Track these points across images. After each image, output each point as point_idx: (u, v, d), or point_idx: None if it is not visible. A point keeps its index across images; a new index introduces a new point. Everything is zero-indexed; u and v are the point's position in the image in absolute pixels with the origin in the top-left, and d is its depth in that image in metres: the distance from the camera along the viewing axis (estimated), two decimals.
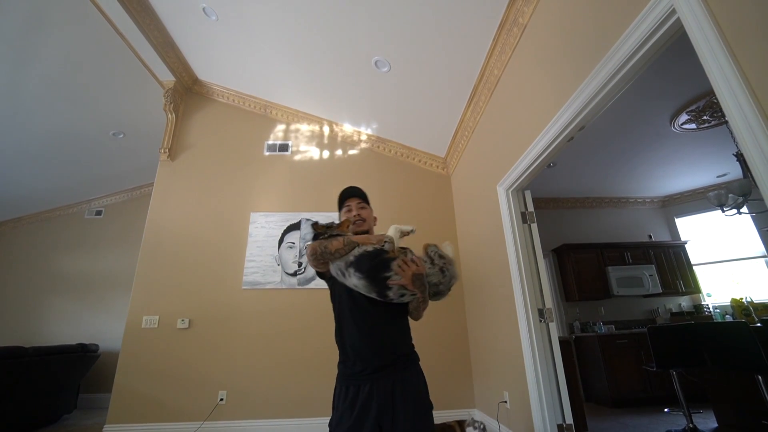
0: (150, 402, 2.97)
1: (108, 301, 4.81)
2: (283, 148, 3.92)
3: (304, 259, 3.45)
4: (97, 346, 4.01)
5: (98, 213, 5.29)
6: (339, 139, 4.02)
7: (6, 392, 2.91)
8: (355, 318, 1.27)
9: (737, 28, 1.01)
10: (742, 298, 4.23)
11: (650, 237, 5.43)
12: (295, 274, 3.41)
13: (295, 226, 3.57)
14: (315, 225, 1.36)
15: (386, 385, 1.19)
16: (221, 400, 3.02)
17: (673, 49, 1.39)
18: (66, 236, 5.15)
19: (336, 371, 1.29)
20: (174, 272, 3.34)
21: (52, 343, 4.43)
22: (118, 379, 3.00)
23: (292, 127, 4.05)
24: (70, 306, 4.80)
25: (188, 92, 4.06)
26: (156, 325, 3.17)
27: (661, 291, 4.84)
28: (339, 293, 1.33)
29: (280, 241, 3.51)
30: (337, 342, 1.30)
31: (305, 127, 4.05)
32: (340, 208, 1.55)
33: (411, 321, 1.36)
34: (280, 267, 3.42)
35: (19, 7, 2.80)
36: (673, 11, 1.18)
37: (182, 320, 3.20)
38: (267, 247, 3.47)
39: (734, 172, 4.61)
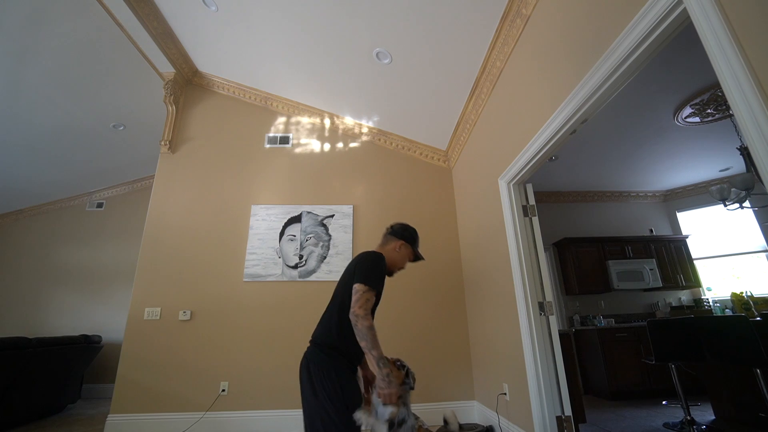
0: (153, 392, 3.01)
1: (110, 292, 4.84)
2: (284, 140, 3.91)
3: (305, 252, 3.46)
4: (99, 337, 4.05)
5: (99, 205, 5.30)
6: (340, 131, 4.00)
7: (11, 383, 2.95)
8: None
9: (745, 19, 0.99)
10: (742, 293, 4.24)
11: (651, 231, 5.43)
12: (296, 267, 3.42)
13: (296, 219, 3.57)
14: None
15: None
16: (223, 390, 3.05)
17: (679, 41, 1.37)
18: (67, 228, 5.17)
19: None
20: (175, 264, 3.35)
21: (56, 334, 4.48)
22: (121, 369, 3.03)
23: (293, 119, 4.03)
24: (73, 298, 4.84)
25: (188, 84, 4.03)
26: (158, 317, 3.19)
27: (661, 285, 4.85)
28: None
29: (281, 234, 3.51)
30: (342, 332, 1.46)
31: (306, 120, 4.02)
32: (412, 242, 1.73)
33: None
34: (281, 259, 3.43)
35: (19, 0, 2.77)
36: (680, 1, 1.16)
37: (184, 312, 3.22)
38: (268, 240, 3.48)
39: (737, 166, 4.58)
